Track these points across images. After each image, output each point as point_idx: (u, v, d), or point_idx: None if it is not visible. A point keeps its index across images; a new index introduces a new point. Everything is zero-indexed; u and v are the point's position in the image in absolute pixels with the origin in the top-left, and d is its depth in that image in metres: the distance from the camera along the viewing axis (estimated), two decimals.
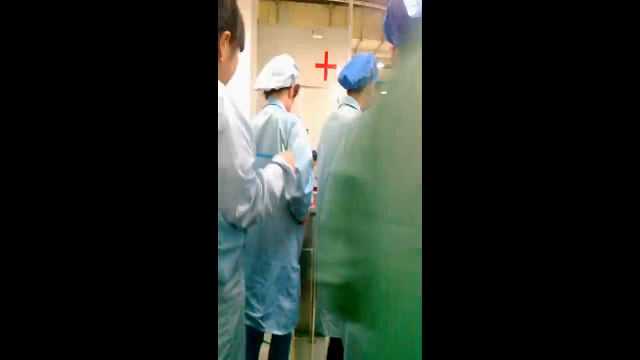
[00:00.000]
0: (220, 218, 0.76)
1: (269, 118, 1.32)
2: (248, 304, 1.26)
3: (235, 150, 0.74)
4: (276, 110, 1.34)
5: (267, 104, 1.38)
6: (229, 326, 0.82)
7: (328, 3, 4.71)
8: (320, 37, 3.75)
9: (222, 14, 0.79)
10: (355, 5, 4.23)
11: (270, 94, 1.39)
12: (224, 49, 0.81)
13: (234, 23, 0.82)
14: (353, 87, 1.45)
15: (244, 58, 2.86)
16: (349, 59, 3.88)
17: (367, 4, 4.73)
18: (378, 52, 5.76)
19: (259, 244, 1.30)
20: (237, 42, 0.84)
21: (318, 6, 4.73)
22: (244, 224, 0.79)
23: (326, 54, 3.77)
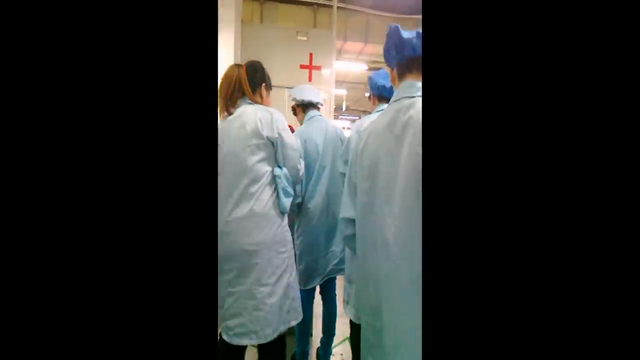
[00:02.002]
0: (287, 173, 1.37)
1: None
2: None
3: (291, 135, 1.39)
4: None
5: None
6: (284, 255, 1.33)
7: (312, 4, 4.72)
8: (305, 38, 3.75)
9: (258, 75, 1.44)
10: (339, 7, 4.26)
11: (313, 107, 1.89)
12: (264, 93, 1.46)
13: (264, 77, 1.47)
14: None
15: (227, 58, 2.83)
16: (334, 60, 3.91)
17: (350, 6, 4.77)
18: (362, 53, 5.82)
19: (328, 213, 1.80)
20: (268, 86, 1.49)
21: (302, 7, 4.73)
22: (300, 175, 1.46)
23: (310, 55, 3.78)
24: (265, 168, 1.31)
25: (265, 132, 1.30)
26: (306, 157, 1.71)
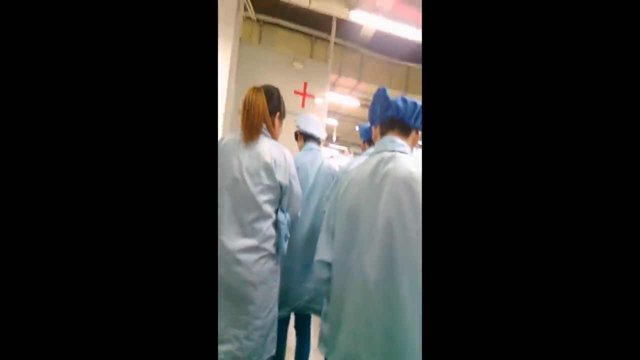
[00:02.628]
0: (288, 219, 1.42)
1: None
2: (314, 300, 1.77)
3: (298, 183, 1.47)
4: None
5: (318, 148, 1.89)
6: (275, 289, 1.40)
7: (310, 35, 4.90)
8: (301, 66, 3.84)
9: (274, 102, 1.43)
10: (336, 43, 4.44)
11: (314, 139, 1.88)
12: (277, 122, 1.47)
13: (280, 106, 1.47)
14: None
15: (223, 74, 2.82)
16: (327, 91, 4.01)
17: (347, 43, 4.99)
18: (355, 90, 6.04)
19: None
20: (282, 115, 1.50)
21: (300, 36, 4.90)
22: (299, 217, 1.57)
23: (305, 84, 3.86)
24: (271, 209, 1.36)
25: (279, 177, 1.34)
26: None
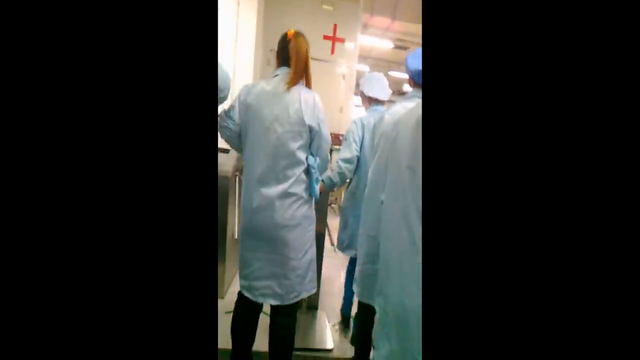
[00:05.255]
0: (318, 163, 1.47)
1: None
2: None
3: (327, 127, 1.49)
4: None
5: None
6: (311, 232, 1.49)
7: None
8: (330, 8, 3.61)
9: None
10: None
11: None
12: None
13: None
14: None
15: (250, 25, 2.75)
16: (358, 34, 3.77)
17: None
18: (388, 30, 5.58)
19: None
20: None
21: None
22: (327, 167, 1.58)
23: (335, 26, 3.65)
24: (303, 155, 1.40)
25: (307, 120, 1.37)
26: (366, 145, 1.91)
